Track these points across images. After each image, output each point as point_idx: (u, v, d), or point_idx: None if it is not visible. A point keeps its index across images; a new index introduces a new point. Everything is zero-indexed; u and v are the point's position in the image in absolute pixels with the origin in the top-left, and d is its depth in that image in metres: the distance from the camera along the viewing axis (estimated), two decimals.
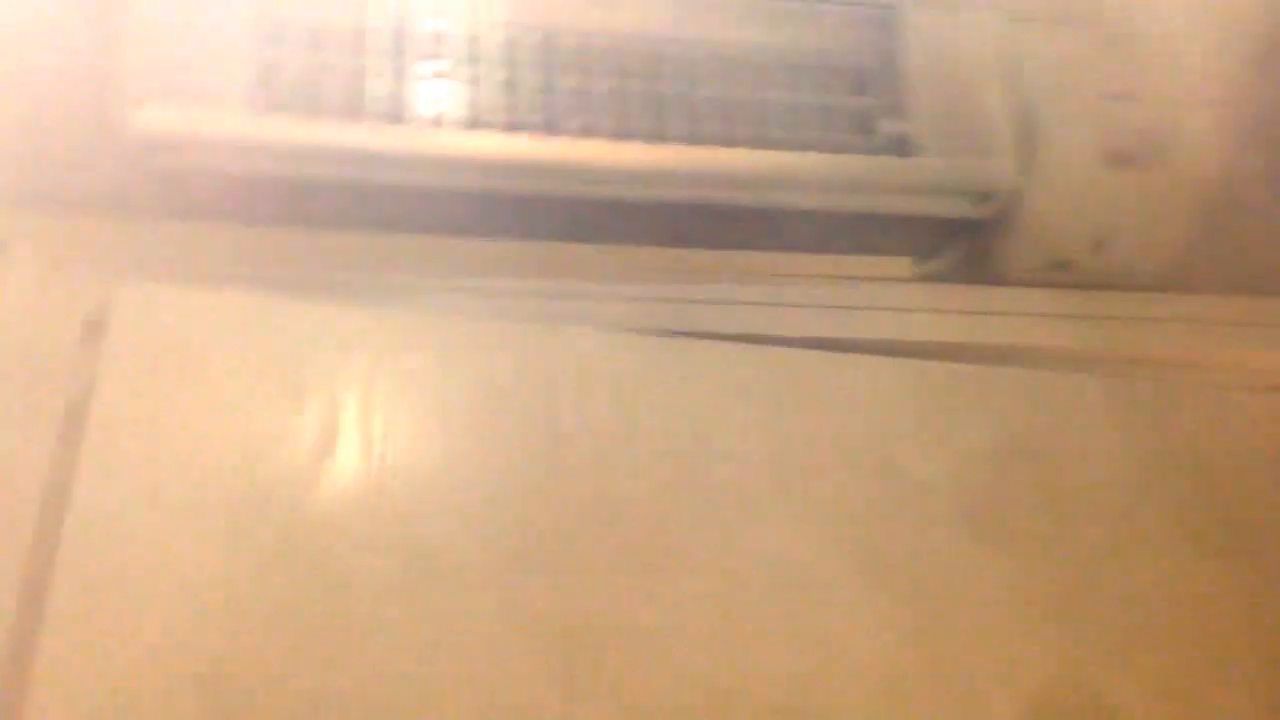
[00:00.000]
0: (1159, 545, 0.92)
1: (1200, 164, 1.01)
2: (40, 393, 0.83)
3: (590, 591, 0.81)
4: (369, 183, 0.90)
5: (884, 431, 0.91)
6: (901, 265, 1.05)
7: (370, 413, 0.83)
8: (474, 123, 0.90)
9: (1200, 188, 1.01)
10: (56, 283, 0.86)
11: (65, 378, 0.83)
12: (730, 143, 0.94)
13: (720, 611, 0.82)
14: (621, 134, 0.92)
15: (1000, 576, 0.88)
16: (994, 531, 0.90)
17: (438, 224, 0.96)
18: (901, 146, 0.96)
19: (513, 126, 0.90)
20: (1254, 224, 1.10)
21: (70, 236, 0.90)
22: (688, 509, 0.85)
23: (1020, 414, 0.94)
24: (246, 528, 0.78)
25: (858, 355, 0.93)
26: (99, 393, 0.81)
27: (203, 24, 0.87)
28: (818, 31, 0.99)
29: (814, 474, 0.88)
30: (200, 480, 0.79)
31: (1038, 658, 0.86)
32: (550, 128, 0.91)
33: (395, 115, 0.89)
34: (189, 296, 0.84)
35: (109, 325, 0.82)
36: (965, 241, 1.06)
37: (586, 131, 0.92)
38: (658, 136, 0.93)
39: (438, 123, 0.89)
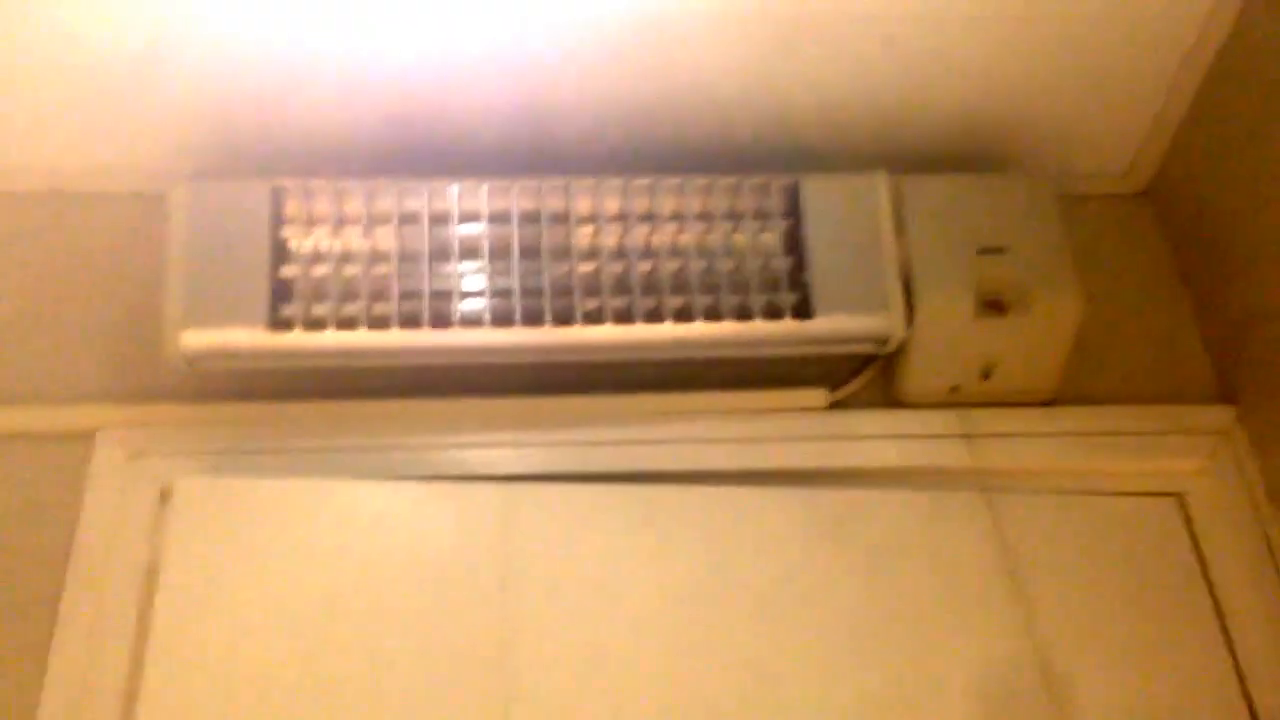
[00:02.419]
0: None
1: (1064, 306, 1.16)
2: (123, 554, 1.10)
3: None
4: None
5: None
6: (818, 395, 1.23)
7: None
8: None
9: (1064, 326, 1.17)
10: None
11: (144, 542, 1.10)
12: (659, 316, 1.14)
13: None
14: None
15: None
16: None
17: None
18: (802, 308, 1.15)
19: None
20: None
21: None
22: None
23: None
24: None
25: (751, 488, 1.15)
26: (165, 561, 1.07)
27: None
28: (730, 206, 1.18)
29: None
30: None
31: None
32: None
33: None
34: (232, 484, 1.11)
35: (171, 508, 1.09)
36: (872, 371, 1.25)
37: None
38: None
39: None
